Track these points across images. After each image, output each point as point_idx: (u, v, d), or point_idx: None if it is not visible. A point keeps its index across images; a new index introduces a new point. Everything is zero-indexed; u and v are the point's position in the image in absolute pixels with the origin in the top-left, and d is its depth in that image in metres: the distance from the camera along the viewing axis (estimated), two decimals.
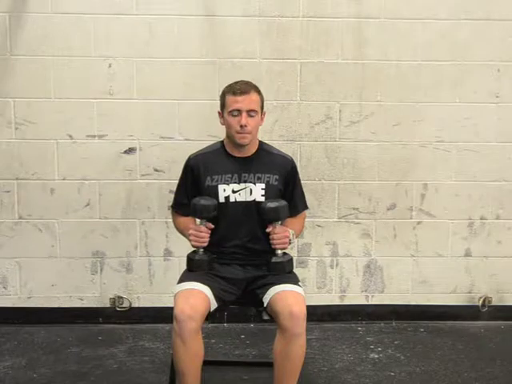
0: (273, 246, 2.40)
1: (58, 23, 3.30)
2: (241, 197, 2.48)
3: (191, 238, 2.40)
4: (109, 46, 3.33)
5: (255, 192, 2.48)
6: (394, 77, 3.43)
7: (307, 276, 3.54)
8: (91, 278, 3.50)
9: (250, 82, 2.49)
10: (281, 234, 2.39)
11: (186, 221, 2.54)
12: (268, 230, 2.40)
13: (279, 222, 2.40)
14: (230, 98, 2.43)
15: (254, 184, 2.48)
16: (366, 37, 3.40)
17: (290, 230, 2.44)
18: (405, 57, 3.42)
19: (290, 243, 2.43)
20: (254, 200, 2.48)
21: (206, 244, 2.40)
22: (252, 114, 2.42)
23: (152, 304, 3.52)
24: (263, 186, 2.48)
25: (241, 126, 2.40)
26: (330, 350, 3.24)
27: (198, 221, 2.44)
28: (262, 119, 2.51)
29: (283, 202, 2.40)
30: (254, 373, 2.90)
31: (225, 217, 2.47)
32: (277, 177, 2.51)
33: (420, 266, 3.58)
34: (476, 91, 3.46)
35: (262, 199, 2.47)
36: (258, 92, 2.47)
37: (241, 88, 2.42)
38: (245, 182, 2.48)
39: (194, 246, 2.42)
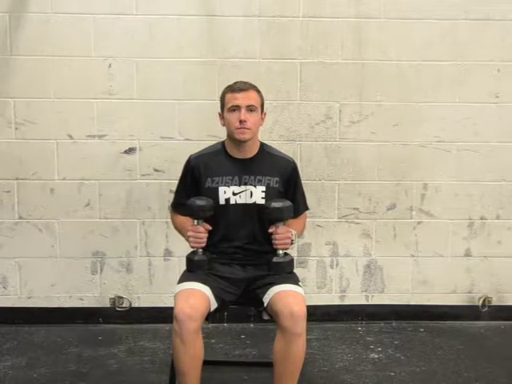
0: (275, 246, 2.40)
1: (58, 23, 3.30)
2: (241, 199, 2.48)
3: (190, 239, 2.40)
4: (109, 46, 3.33)
5: (255, 195, 2.48)
6: (394, 77, 3.43)
7: (307, 276, 3.54)
8: (91, 278, 3.50)
9: (249, 82, 2.51)
10: (283, 234, 2.39)
11: (184, 221, 2.53)
12: (270, 230, 2.40)
13: (282, 223, 2.40)
14: (229, 96, 2.45)
15: (255, 186, 2.48)
16: (366, 37, 3.40)
17: (292, 231, 2.44)
18: (405, 57, 3.42)
19: (292, 243, 2.43)
20: (255, 203, 2.48)
21: (204, 244, 2.40)
22: (251, 109, 2.43)
23: (152, 304, 3.52)
24: (263, 188, 2.48)
25: (240, 122, 2.40)
26: (330, 350, 3.24)
27: (195, 221, 2.44)
28: (262, 119, 2.52)
29: (288, 203, 2.40)
30: (254, 373, 2.90)
31: (225, 219, 2.48)
32: (277, 179, 2.51)
33: (420, 265, 3.58)
34: (476, 91, 3.46)
35: (263, 202, 2.47)
36: (258, 91, 2.49)
37: (240, 86, 2.46)
38: (245, 184, 2.48)
39: (192, 247, 2.43)
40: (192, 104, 3.39)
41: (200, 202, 2.38)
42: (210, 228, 2.42)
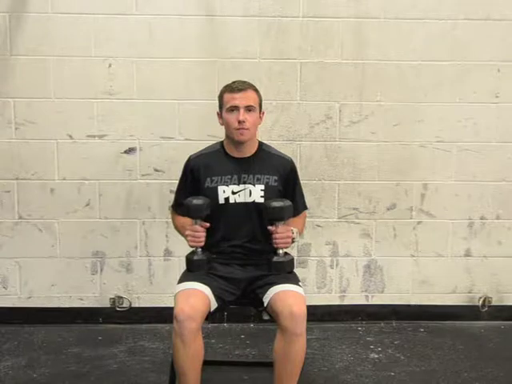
0: (275, 246, 2.38)
1: (58, 23, 3.30)
2: (240, 198, 2.48)
3: (188, 238, 2.39)
4: (109, 46, 3.33)
5: (254, 193, 2.48)
6: (394, 77, 3.43)
7: (307, 276, 3.54)
8: (91, 278, 3.50)
9: (248, 82, 2.51)
10: (283, 233, 2.38)
11: (184, 221, 2.53)
12: (270, 229, 2.40)
13: (282, 222, 2.40)
14: (227, 96, 2.45)
15: (254, 185, 2.49)
16: (366, 37, 3.40)
17: (294, 229, 2.44)
18: (405, 57, 3.42)
19: (293, 241, 2.43)
20: (254, 201, 2.48)
21: (202, 243, 2.39)
22: (250, 109, 2.43)
23: (152, 304, 3.52)
24: (262, 187, 2.49)
25: (239, 122, 2.41)
26: (330, 350, 3.24)
27: (193, 221, 2.44)
28: (260, 118, 2.52)
29: (288, 202, 2.39)
30: (254, 373, 2.90)
31: (224, 218, 2.48)
32: (276, 178, 2.51)
33: (420, 265, 3.58)
34: (476, 91, 3.46)
35: (262, 200, 2.47)
36: (256, 90, 2.49)
37: (238, 85, 2.45)
38: (244, 183, 2.49)
39: (191, 246, 2.42)
40: (192, 104, 3.39)
41: (196, 201, 2.38)
42: (208, 225, 2.40)
